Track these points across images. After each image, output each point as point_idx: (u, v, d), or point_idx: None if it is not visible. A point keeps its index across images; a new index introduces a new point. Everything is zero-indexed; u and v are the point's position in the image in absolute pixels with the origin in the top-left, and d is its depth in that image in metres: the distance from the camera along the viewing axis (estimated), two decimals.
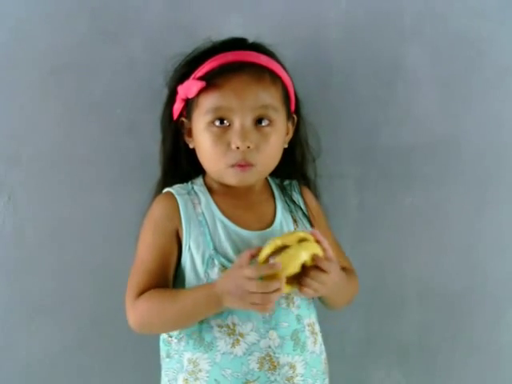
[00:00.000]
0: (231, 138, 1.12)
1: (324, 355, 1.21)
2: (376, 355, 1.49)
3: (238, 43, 1.19)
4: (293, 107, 1.22)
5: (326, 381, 1.21)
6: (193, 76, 1.15)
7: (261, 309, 1.04)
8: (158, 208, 1.18)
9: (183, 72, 1.19)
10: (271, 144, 1.15)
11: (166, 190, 1.21)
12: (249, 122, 1.12)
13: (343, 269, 1.23)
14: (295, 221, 1.22)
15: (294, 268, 1.05)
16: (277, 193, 1.25)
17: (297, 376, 1.13)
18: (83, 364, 1.43)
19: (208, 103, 1.13)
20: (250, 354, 1.10)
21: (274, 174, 1.26)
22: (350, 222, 1.42)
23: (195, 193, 1.20)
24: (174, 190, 1.19)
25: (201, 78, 1.13)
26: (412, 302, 1.48)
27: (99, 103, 1.38)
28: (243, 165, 1.13)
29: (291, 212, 1.23)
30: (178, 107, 1.19)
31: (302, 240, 1.07)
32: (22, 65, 1.36)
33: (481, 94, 1.45)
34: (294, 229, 1.21)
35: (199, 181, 1.22)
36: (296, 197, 1.26)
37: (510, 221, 1.48)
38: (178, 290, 1.14)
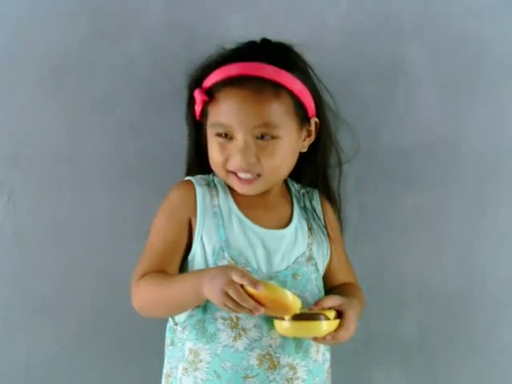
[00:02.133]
0: (232, 152, 1.13)
1: (327, 365, 1.21)
2: (376, 355, 1.49)
3: (250, 51, 1.16)
4: (311, 112, 1.20)
5: None
6: (203, 84, 1.15)
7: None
8: (175, 195, 1.19)
9: (198, 77, 1.18)
10: (275, 156, 1.15)
11: (186, 178, 1.22)
12: (250, 138, 1.12)
13: (350, 288, 1.24)
14: (310, 229, 1.22)
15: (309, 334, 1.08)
16: (295, 199, 1.25)
17: (297, 379, 1.13)
18: (83, 364, 1.43)
19: (212, 117, 1.14)
20: (250, 350, 1.10)
21: (295, 178, 1.26)
22: (350, 221, 1.42)
23: (215, 185, 1.20)
24: (195, 179, 1.20)
25: (206, 91, 1.14)
26: (412, 302, 1.48)
27: (99, 103, 1.39)
28: (247, 180, 1.15)
29: (307, 220, 1.23)
30: (198, 109, 1.18)
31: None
32: (22, 65, 1.36)
33: (481, 94, 1.45)
34: (308, 236, 1.20)
35: None
36: (315, 206, 1.26)
37: (509, 221, 1.48)
38: (173, 276, 1.13)
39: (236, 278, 0.99)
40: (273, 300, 1.01)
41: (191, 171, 1.25)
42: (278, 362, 1.11)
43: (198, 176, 1.21)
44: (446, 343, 1.49)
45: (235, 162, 1.13)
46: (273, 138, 1.13)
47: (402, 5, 1.43)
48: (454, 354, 1.49)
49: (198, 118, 1.19)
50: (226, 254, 1.13)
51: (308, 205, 1.25)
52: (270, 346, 1.11)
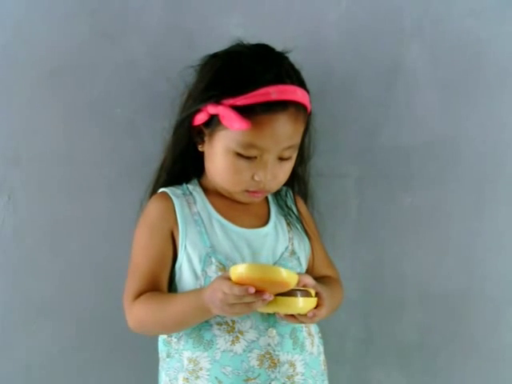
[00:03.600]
0: (255, 171, 1.13)
1: (322, 357, 1.21)
2: (376, 355, 1.49)
3: (273, 67, 1.13)
4: None
5: (326, 382, 1.22)
6: (230, 102, 1.09)
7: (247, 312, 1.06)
8: (153, 209, 1.18)
9: (217, 91, 1.12)
10: (286, 171, 1.18)
11: (160, 190, 1.21)
12: (274, 158, 1.14)
13: (328, 279, 1.25)
14: (288, 224, 1.24)
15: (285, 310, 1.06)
16: (270, 196, 1.27)
17: (297, 375, 1.13)
18: (83, 364, 1.43)
19: (243, 137, 1.10)
20: (249, 352, 1.10)
21: None
22: (350, 222, 1.42)
23: (190, 193, 1.20)
24: (169, 190, 1.20)
25: (241, 112, 1.08)
26: (412, 303, 1.48)
27: (99, 103, 1.38)
28: (258, 191, 1.16)
29: (285, 216, 1.25)
30: (202, 118, 1.15)
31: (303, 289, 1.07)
32: (22, 65, 1.36)
33: (480, 94, 1.45)
34: (288, 231, 1.22)
35: (194, 182, 1.23)
36: (290, 203, 1.28)
37: (509, 221, 1.47)
38: (171, 297, 1.14)
39: (227, 290, 1.00)
40: (269, 280, 0.99)
41: (167, 178, 1.23)
42: (278, 359, 1.11)
43: (172, 187, 1.21)
44: (446, 343, 1.49)
45: (258, 182, 1.14)
46: (291, 156, 1.16)
47: (401, 4, 1.43)
48: (454, 354, 1.49)
49: (195, 123, 1.17)
50: (213, 260, 1.13)
51: (282, 202, 1.26)
52: (269, 344, 1.11)
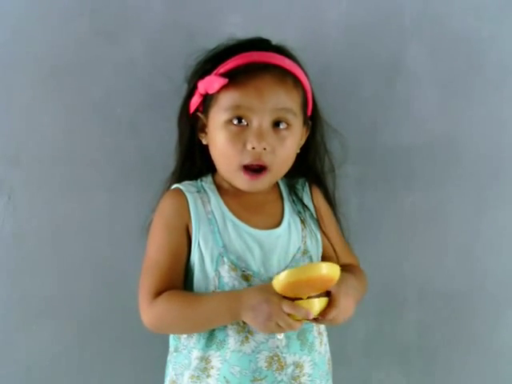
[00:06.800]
0: (248, 138, 1.11)
1: (328, 355, 1.21)
2: (376, 355, 1.49)
3: (262, 44, 1.18)
4: (309, 112, 1.22)
5: (330, 382, 1.21)
6: (215, 72, 1.13)
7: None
8: (168, 205, 1.17)
9: (205, 67, 1.17)
10: (287, 148, 1.15)
11: (174, 186, 1.20)
12: (267, 123, 1.12)
13: (352, 267, 1.24)
14: (303, 222, 1.22)
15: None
16: (285, 193, 1.25)
17: (304, 376, 1.13)
18: (83, 364, 1.43)
19: (228, 100, 1.12)
20: (258, 353, 1.10)
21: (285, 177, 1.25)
22: (350, 222, 1.42)
23: (204, 191, 1.19)
24: (183, 186, 1.18)
25: (223, 75, 1.12)
26: (412, 302, 1.48)
27: (99, 103, 1.38)
28: (256, 167, 1.13)
29: (299, 213, 1.23)
30: (195, 101, 1.17)
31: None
32: (22, 65, 1.36)
33: (481, 93, 1.45)
34: (302, 230, 1.20)
35: (208, 179, 1.22)
36: (305, 197, 1.26)
37: (509, 221, 1.48)
38: (199, 296, 1.12)
39: (287, 309, 1.01)
40: (317, 278, 0.99)
41: (181, 174, 1.23)
42: (285, 361, 1.11)
43: (186, 182, 1.20)
44: (445, 343, 1.49)
45: (252, 153, 1.11)
46: (288, 126, 1.13)
47: (402, 3, 1.43)
48: (453, 354, 1.50)
49: (191, 111, 1.18)
50: (225, 260, 1.12)
51: (298, 199, 1.24)
52: (277, 347, 1.11)
